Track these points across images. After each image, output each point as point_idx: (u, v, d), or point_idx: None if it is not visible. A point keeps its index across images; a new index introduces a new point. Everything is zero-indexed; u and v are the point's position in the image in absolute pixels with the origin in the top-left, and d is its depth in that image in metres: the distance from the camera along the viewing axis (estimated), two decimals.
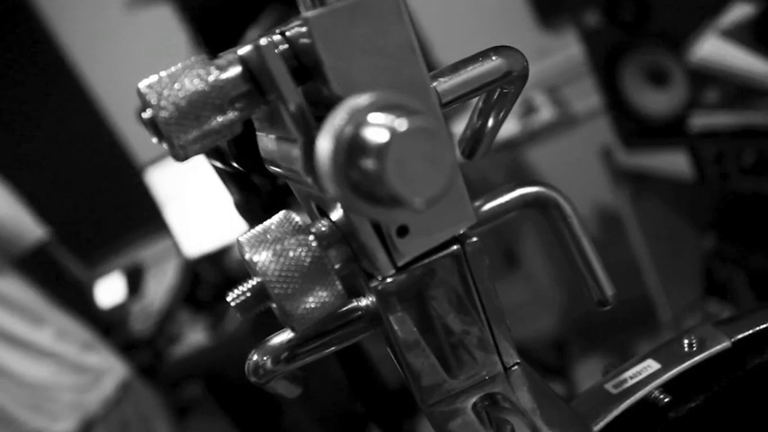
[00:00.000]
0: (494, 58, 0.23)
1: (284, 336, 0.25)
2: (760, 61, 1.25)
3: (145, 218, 2.32)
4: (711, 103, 1.37)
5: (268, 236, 0.21)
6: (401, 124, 0.15)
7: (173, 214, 2.15)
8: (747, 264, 1.58)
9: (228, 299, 0.22)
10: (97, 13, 2.31)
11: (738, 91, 1.31)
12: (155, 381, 1.83)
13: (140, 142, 2.44)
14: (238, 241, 0.22)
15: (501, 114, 0.27)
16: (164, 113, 0.19)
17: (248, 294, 0.21)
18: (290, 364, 0.25)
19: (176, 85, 0.19)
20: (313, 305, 0.21)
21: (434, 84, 0.22)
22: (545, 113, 1.99)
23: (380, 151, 0.15)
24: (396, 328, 0.23)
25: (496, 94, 0.25)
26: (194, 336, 2.00)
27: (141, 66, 2.29)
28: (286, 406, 2.06)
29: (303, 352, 0.25)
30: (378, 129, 0.15)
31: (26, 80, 2.44)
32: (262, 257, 0.21)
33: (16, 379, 1.36)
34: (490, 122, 0.27)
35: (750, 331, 0.31)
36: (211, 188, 2.06)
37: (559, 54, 2.04)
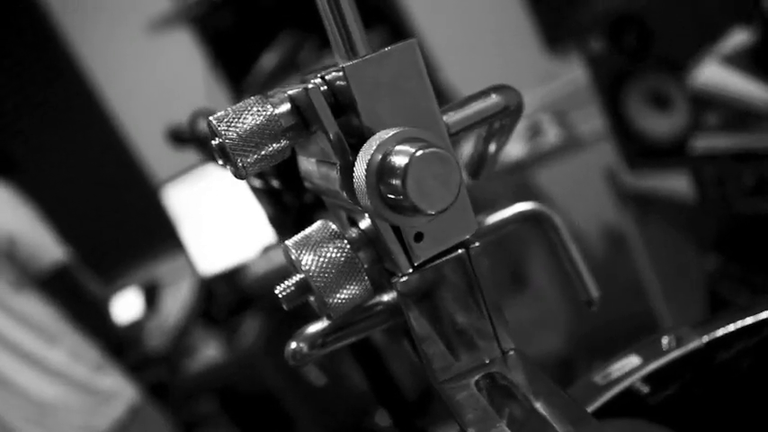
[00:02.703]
0: (493, 95, 0.28)
1: (318, 325, 0.30)
2: (758, 87, 1.29)
3: (161, 236, 2.36)
4: (712, 127, 1.40)
5: (310, 240, 0.27)
6: (418, 151, 0.20)
7: (188, 233, 2.18)
8: (751, 283, 1.60)
9: (276, 291, 0.27)
10: (119, 37, 2.37)
11: (738, 115, 1.35)
12: (169, 396, 1.85)
13: (157, 162, 2.48)
14: (285, 245, 0.27)
15: (501, 141, 0.32)
16: (230, 141, 0.24)
17: (293, 288, 0.27)
18: (323, 349, 0.30)
19: (240, 119, 0.24)
20: (346, 297, 0.26)
21: (444, 117, 0.27)
22: (551, 136, 2.03)
23: (403, 171, 0.20)
24: (412, 318, 0.28)
25: (496, 124, 0.30)
26: (208, 352, 2.02)
27: (161, 88, 2.36)
28: (298, 421, 2.08)
29: (334, 339, 0.30)
30: (401, 155, 0.20)
31: (49, 102, 2.51)
32: (306, 257, 0.26)
33: (26, 396, 1.38)
34: (492, 148, 0.32)
35: (720, 332, 0.35)
36: (226, 208, 2.10)
37: (565, 78, 2.09)
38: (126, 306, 2.31)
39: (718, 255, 1.72)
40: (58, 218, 1.62)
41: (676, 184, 1.47)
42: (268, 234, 1.99)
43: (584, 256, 0.33)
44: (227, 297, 2.18)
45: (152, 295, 2.39)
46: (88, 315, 1.53)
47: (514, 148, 2.05)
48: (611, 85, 1.56)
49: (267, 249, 2.05)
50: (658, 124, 1.53)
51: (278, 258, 1.98)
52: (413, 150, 0.20)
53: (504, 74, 2.20)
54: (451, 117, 0.27)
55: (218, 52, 2.36)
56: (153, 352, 2.01)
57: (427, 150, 0.20)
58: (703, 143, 1.38)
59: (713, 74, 1.35)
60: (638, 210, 1.78)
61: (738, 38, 1.34)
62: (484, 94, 0.28)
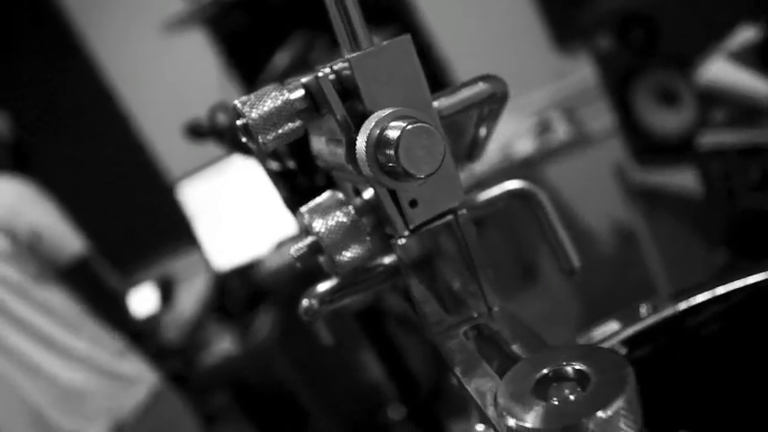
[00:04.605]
0: (480, 83, 0.32)
1: (327, 284, 0.35)
2: (764, 83, 1.30)
3: (176, 232, 2.40)
4: (719, 123, 1.41)
5: (320, 207, 0.31)
6: (409, 126, 0.24)
7: (203, 228, 2.22)
8: None
9: (291, 251, 0.31)
10: (135, 38, 2.42)
11: (744, 111, 1.36)
12: (184, 388, 1.88)
13: (172, 159, 2.53)
14: (300, 211, 0.31)
15: (490, 126, 0.35)
16: (252, 121, 0.29)
17: (306, 249, 0.31)
18: (332, 304, 0.34)
19: (261, 102, 0.29)
20: (351, 255, 0.30)
21: (437, 102, 0.31)
22: (560, 133, 2.05)
23: (395, 142, 0.24)
24: (409, 275, 0.32)
25: (485, 110, 0.34)
26: (222, 345, 2.05)
27: (175, 87, 2.40)
28: (311, 414, 2.11)
29: (341, 295, 0.34)
30: (394, 129, 0.25)
31: (68, 102, 2.56)
32: (317, 221, 0.30)
33: (53, 382, 1.43)
34: (482, 132, 0.36)
35: (693, 302, 0.39)
36: (240, 204, 2.14)
37: (574, 76, 2.11)
38: (142, 300, 2.34)
39: (726, 249, 1.73)
40: (76, 215, 1.64)
41: (684, 179, 1.49)
42: (281, 229, 2.02)
43: (567, 231, 0.36)
44: (240, 292, 2.21)
45: (167, 290, 2.43)
46: (108, 303, 1.57)
47: (524, 145, 2.08)
48: (619, 82, 1.57)
49: (280, 245, 2.08)
50: (666, 120, 1.55)
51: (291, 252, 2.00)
52: (404, 125, 0.25)
53: (514, 72, 2.23)
54: (443, 102, 0.32)
55: (231, 52, 2.40)
56: (168, 345, 2.04)
57: (416, 125, 0.25)
58: (710, 139, 1.40)
59: (720, 70, 1.36)
60: (647, 205, 1.79)
61: (745, 34, 1.35)
62: (472, 82, 0.32)
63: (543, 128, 2.08)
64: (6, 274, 1.40)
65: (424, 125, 0.25)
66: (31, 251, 1.44)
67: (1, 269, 1.40)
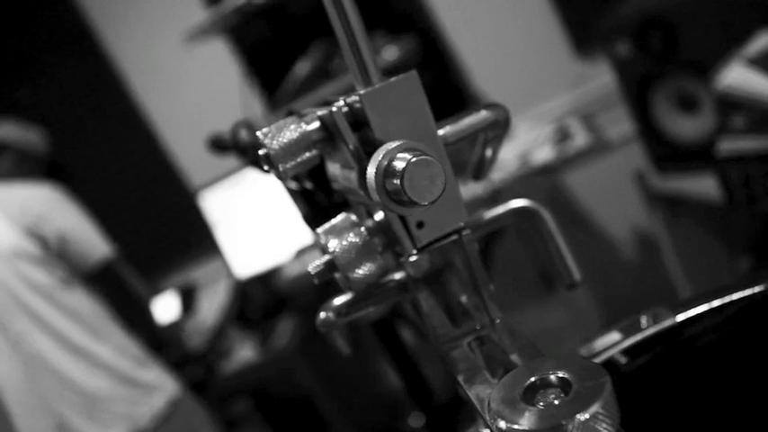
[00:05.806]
0: (483, 111, 0.35)
1: (342, 298, 0.38)
2: None
3: (198, 240, 2.43)
4: (738, 129, 1.41)
5: (335, 228, 0.34)
6: (413, 158, 0.27)
7: (224, 237, 2.25)
8: None
9: (309, 268, 0.34)
10: (158, 48, 2.47)
11: (763, 116, 1.36)
12: (206, 395, 1.90)
13: (194, 168, 2.57)
14: (316, 232, 0.34)
15: (495, 149, 0.38)
16: (273, 151, 0.32)
17: (322, 266, 0.34)
18: (347, 317, 0.37)
19: (281, 134, 0.32)
20: (364, 273, 0.33)
21: (442, 131, 0.34)
22: (580, 140, 2.05)
23: (401, 173, 0.27)
24: (418, 290, 0.35)
25: (490, 135, 0.36)
26: (244, 352, 2.06)
27: (198, 97, 2.44)
28: (332, 421, 2.13)
29: (356, 308, 0.37)
30: (401, 161, 0.27)
31: (94, 114, 2.62)
32: (333, 242, 0.33)
33: (76, 387, 1.45)
34: (487, 154, 0.38)
35: (693, 313, 0.41)
36: (260, 213, 2.16)
37: (593, 82, 2.12)
38: (164, 308, 2.37)
39: (751, 257, 1.71)
40: (99, 223, 1.66)
41: (704, 185, 1.48)
42: (301, 237, 2.05)
43: (568, 246, 0.39)
44: (261, 299, 2.22)
45: (189, 297, 2.45)
46: (132, 310, 1.60)
47: (543, 152, 2.09)
48: (638, 88, 1.57)
49: (300, 252, 2.09)
50: (685, 126, 1.54)
51: (311, 261, 2.01)
52: (409, 157, 0.28)
53: (533, 78, 2.24)
54: (448, 130, 0.34)
55: (252, 61, 2.43)
56: (190, 352, 2.06)
57: (420, 157, 0.27)
58: (729, 145, 1.39)
59: (739, 76, 1.35)
60: (668, 212, 1.78)
61: (764, 40, 1.35)
62: (475, 110, 0.35)
63: (562, 135, 2.08)
64: (36, 278, 1.43)
65: (428, 158, 0.28)
66: (60, 255, 1.47)
67: (31, 273, 1.43)
